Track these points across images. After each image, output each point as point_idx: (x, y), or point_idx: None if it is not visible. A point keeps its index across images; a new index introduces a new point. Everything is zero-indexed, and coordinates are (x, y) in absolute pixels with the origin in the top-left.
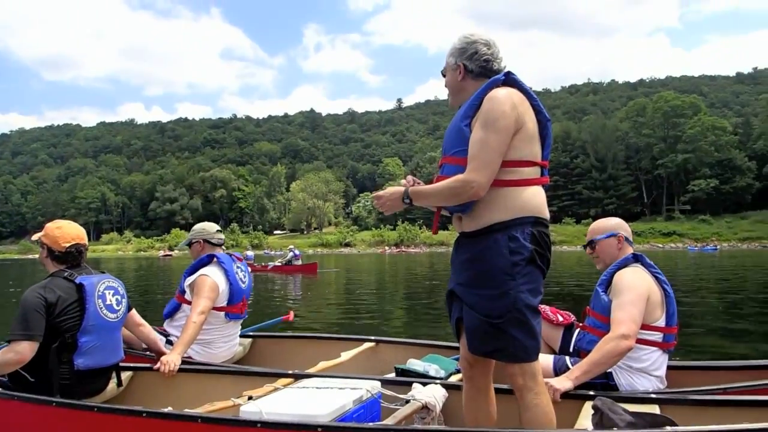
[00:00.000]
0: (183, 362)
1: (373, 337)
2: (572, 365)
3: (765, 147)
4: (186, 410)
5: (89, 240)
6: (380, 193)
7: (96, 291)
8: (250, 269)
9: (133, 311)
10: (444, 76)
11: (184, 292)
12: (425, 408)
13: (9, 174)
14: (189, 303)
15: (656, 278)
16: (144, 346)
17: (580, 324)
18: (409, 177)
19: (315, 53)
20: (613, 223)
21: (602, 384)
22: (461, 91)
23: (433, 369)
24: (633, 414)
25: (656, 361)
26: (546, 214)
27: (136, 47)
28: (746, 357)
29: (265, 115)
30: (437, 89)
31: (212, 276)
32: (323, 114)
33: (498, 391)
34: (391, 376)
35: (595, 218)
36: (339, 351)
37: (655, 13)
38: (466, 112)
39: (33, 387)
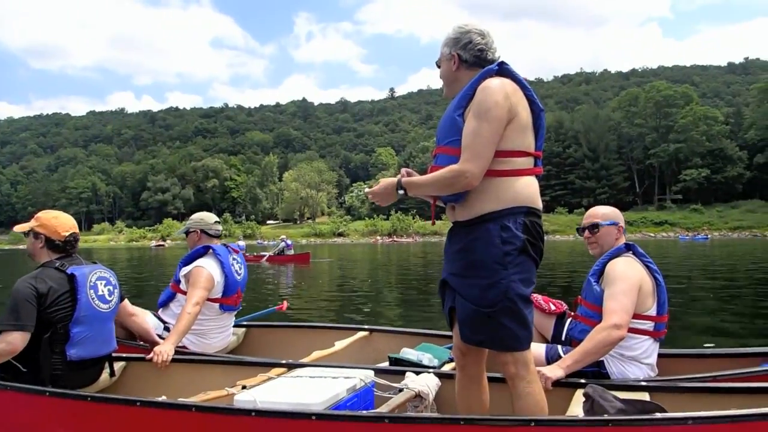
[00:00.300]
0: (176, 352)
1: (366, 326)
2: (564, 354)
3: (756, 137)
4: (180, 399)
5: (80, 230)
6: (374, 188)
7: (88, 281)
8: (251, 261)
9: (126, 301)
10: (439, 66)
11: (179, 281)
12: (418, 396)
13: None
14: (184, 293)
15: (648, 267)
16: (137, 336)
17: (572, 313)
18: (404, 170)
19: (306, 42)
20: (615, 212)
21: (594, 372)
22: (455, 82)
23: (426, 358)
24: (623, 401)
25: (647, 349)
26: (539, 204)
27: (124, 36)
28: (736, 345)
29: (256, 104)
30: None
31: (208, 267)
32: (315, 103)
33: (491, 379)
34: (385, 365)
35: (587, 208)
36: (333, 340)
37: (647, 3)
38: (459, 102)
39: (25, 377)
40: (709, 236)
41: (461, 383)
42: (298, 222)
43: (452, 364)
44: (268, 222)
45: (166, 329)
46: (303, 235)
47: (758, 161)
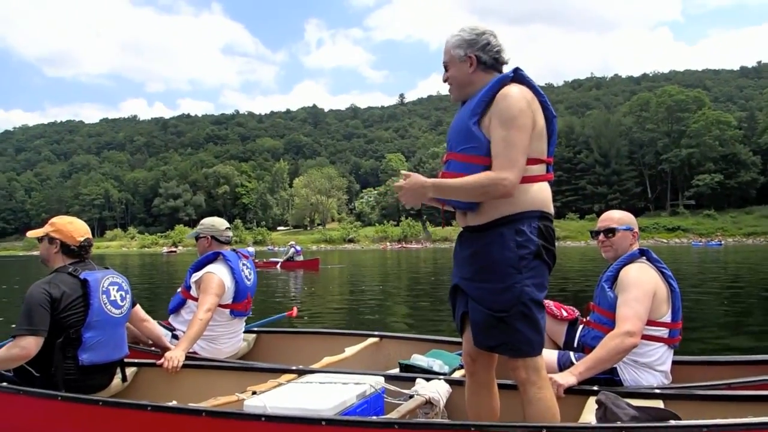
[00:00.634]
0: (187, 358)
1: (376, 333)
2: (576, 361)
3: None
4: (190, 404)
5: (93, 236)
6: (401, 183)
7: (100, 287)
8: (261, 267)
9: (138, 307)
10: (447, 69)
11: (189, 287)
12: (429, 403)
13: (13, 171)
14: (194, 299)
15: (662, 273)
16: (149, 341)
17: (585, 320)
18: (404, 173)
19: (316, 49)
20: (630, 216)
21: (606, 379)
22: (469, 85)
23: (436, 364)
24: (637, 408)
25: (661, 356)
26: (551, 209)
27: (137, 43)
28: (751, 352)
29: (267, 110)
30: (439, 84)
31: (218, 273)
32: (325, 110)
33: (501, 386)
34: (395, 371)
35: (599, 213)
36: (343, 346)
37: (657, 7)
38: (474, 109)
39: (38, 382)
40: (722, 242)
41: (471, 390)
42: (309, 228)
43: (463, 371)
44: (279, 228)
45: (174, 337)
46: (313, 241)
47: None
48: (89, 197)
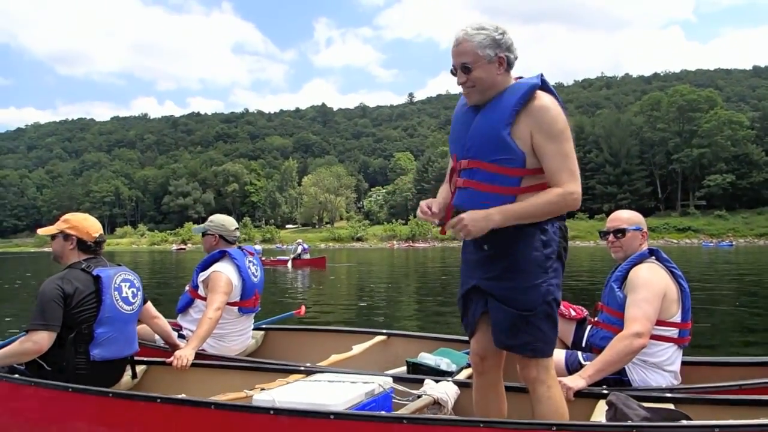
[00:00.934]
0: (196, 356)
1: (384, 331)
2: (584, 360)
3: None
4: (199, 397)
5: (104, 233)
6: (461, 221)
7: (112, 283)
8: (270, 265)
9: (149, 304)
10: (469, 70)
11: (197, 287)
12: (437, 404)
13: (25, 168)
14: (202, 298)
15: (672, 273)
16: (157, 338)
17: (593, 319)
18: (424, 204)
19: (326, 47)
20: (639, 216)
21: (615, 380)
22: (493, 87)
23: (444, 363)
24: (648, 409)
25: (671, 356)
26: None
27: (148, 42)
28: (761, 353)
29: (276, 109)
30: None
31: (225, 272)
32: (334, 108)
33: (508, 389)
34: (403, 369)
35: (608, 213)
36: (351, 344)
37: (669, 6)
38: (507, 119)
39: (49, 376)
40: (734, 243)
41: (479, 390)
42: (317, 226)
43: (470, 371)
44: (287, 226)
45: (181, 336)
46: (322, 239)
47: None
48: (100, 194)
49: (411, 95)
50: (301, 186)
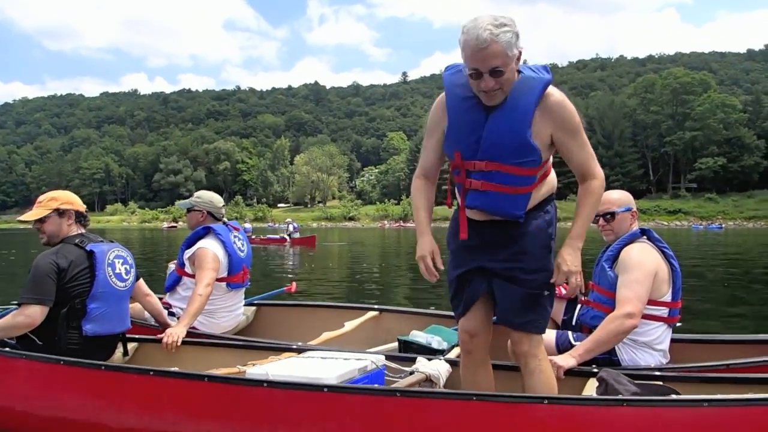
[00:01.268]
0: (187, 334)
1: (376, 306)
2: (575, 340)
3: None
4: (193, 370)
5: (94, 211)
6: (573, 277)
7: (106, 259)
8: (260, 243)
9: (141, 281)
10: (500, 74)
11: (183, 265)
12: (429, 380)
13: (13, 144)
14: (189, 276)
15: (663, 253)
16: (147, 316)
17: (584, 299)
18: (431, 266)
19: (319, 25)
20: (627, 195)
21: (605, 359)
22: (512, 84)
23: (435, 341)
24: (638, 384)
25: (660, 335)
26: None
27: (138, 18)
28: (748, 332)
29: (268, 87)
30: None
31: (211, 248)
32: (327, 87)
33: (495, 367)
34: (394, 345)
35: None
36: (342, 320)
37: None
38: (529, 121)
39: (41, 350)
40: (723, 226)
41: (468, 368)
42: (309, 205)
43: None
44: (279, 205)
45: (171, 314)
46: (314, 218)
47: None
48: (89, 171)
49: (405, 74)
50: (293, 165)
